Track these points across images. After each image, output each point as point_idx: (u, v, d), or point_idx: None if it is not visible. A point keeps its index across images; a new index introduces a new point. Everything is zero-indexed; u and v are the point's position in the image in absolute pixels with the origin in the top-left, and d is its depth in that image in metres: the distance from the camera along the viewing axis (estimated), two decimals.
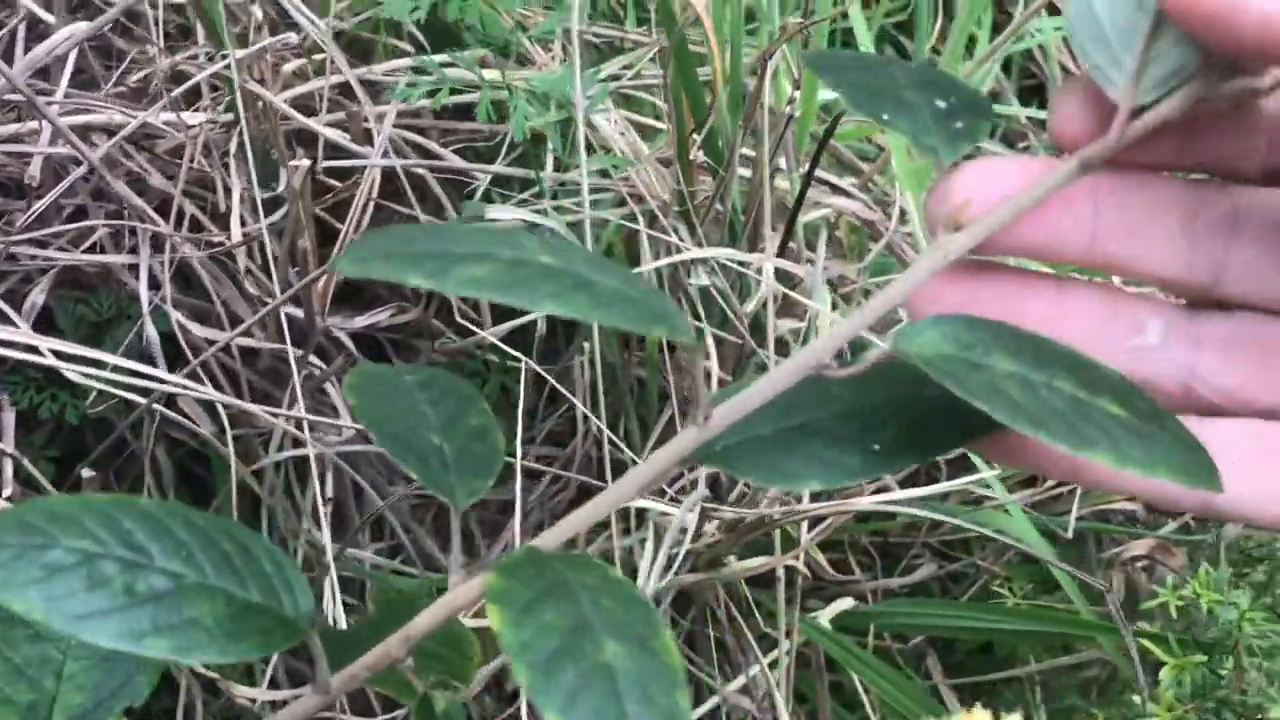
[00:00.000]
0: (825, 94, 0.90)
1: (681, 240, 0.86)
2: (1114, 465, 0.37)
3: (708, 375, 0.86)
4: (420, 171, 0.87)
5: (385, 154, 0.87)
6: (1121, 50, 0.41)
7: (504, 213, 0.79)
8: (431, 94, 0.82)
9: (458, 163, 0.86)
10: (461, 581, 0.45)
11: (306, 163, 0.76)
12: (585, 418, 0.99)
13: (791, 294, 0.85)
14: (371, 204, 0.88)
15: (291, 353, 0.81)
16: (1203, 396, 0.42)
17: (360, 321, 0.96)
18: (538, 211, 0.81)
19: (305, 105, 0.98)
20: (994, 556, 1.09)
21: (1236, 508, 0.41)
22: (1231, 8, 0.35)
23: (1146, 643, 0.83)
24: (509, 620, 0.36)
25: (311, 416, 0.82)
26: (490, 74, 0.90)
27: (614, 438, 0.89)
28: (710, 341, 0.86)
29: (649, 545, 0.85)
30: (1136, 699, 0.83)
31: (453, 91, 0.86)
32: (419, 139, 0.95)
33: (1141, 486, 0.40)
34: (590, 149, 0.91)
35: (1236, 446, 0.41)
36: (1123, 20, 0.41)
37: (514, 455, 0.91)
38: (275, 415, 0.80)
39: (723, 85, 0.82)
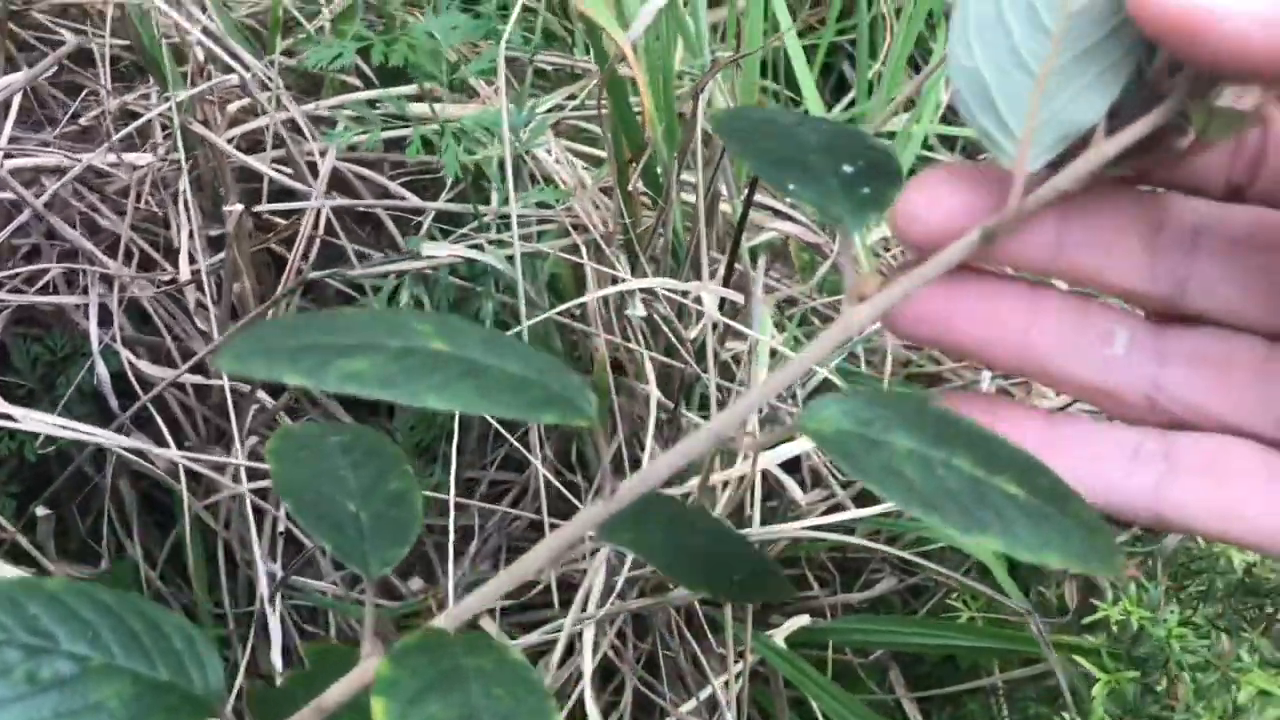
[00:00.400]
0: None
1: (624, 270, 0.85)
2: (1005, 548, 0.36)
3: (647, 400, 0.85)
4: (369, 204, 0.86)
5: (327, 193, 0.85)
6: (1010, 115, 0.40)
7: (440, 249, 0.78)
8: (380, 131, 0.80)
9: (400, 201, 0.85)
10: (374, 653, 0.45)
11: (239, 207, 0.75)
12: (539, 444, 0.99)
13: (732, 323, 0.84)
14: (319, 240, 0.87)
15: (230, 392, 0.80)
16: (1165, 409, 0.42)
17: None
18: (474, 246, 0.80)
19: (257, 139, 0.96)
20: (952, 569, 1.08)
21: (1187, 521, 0.40)
22: (1203, 19, 0.34)
23: (1079, 659, 0.82)
24: (393, 713, 0.35)
25: (249, 463, 0.80)
26: (422, 108, 0.89)
27: (548, 481, 0.88)
28: (649, 369, 0.85)
29: (594, 572, 0.84)
30: (1065, 716, 0.83)
31: (393, 128, 0.85)
32: (367, 172, 0.94)
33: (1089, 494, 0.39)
34: (534, 180, 0.90)
35: (1193, 460, 0.40)
36: (1010, 84, 0.40)
37: (468, 492, 0.90)
38: (220, 466, 0.79)
39: (657, 118, 0.81)
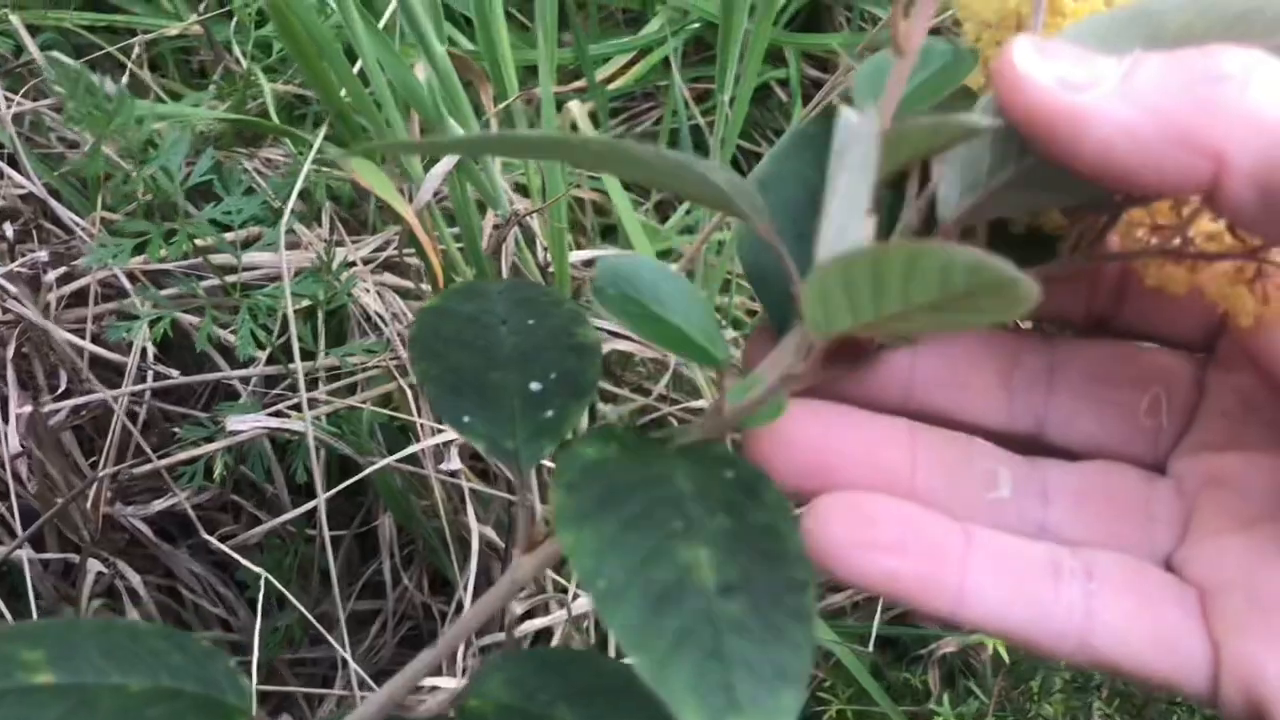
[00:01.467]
0: (577, 254, 0.86)
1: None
2: None
3: (480, 538, 0.82)
4: (173, 382, 0.82)
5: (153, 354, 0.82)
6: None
7: (245, 422, 0.74)
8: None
9: (213, 374, 0.80)
10: None
11: (29, 408, 0.72)
12: (394, 578, 0.95)
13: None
14: (145, 404, 0.83)
15: (30, 570, 0.75)
16: None
17: (158, 505, 0.90)
18: (275, 414, 0.76)
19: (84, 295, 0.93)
20: (821, 661, 1.05)
21: (1117, 653, 0.34)
22: (1075, 121, 0.30)
23: None
24: None
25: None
26: (264, 257, 0.85)
27: (413, 607, 0.84)
28: (471, 512, 0.81)
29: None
30: None
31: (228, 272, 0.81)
32: (199, 321, 0.90)
33: (1011, 637, 0.35)
34: (359, 323, 0.87)
35: (1117, 577, 0.35)
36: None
37: (331, 623, 0.86)
38: None
39: (466, 264, 0.78)
